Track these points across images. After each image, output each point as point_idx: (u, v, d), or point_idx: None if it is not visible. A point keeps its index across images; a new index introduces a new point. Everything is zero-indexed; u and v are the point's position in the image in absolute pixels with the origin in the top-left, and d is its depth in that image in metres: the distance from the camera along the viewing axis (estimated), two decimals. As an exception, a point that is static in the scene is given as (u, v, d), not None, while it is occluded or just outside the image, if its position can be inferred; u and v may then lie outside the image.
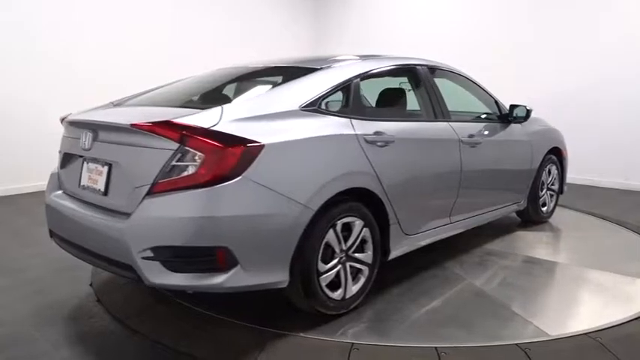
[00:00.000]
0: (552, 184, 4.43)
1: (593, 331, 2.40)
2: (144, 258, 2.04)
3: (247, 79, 3.01)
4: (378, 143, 2.64)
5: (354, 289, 2.58)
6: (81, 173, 2.49)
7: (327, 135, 2.41)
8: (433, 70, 3.39)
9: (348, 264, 2.53)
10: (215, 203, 2.02)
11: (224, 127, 2.09)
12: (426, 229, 3.07)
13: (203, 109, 2.23)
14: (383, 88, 3.25)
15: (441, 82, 3.43)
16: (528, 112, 3.84)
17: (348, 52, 3.38)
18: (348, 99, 2.70)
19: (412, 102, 3.21)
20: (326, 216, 2.35)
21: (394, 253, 2.83)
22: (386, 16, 8.10)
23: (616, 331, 2.42)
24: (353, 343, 2.27)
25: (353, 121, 2.57)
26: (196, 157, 2.02)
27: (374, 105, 3.35)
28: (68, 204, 2.50)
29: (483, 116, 3.80)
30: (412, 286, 2.98)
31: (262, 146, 2.12)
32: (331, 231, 2.41)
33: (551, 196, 4.46)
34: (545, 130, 4.32)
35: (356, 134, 2.53)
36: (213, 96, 2.83)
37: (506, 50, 6.76)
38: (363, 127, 2.60)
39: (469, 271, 3.24)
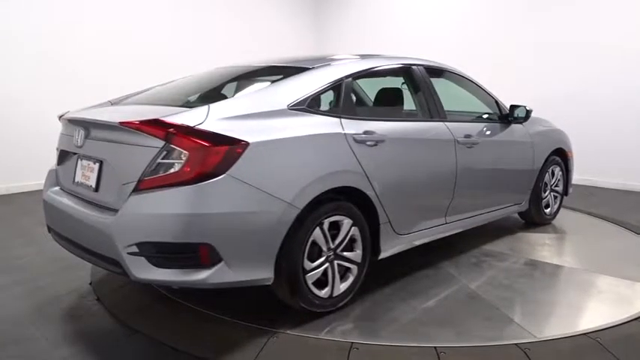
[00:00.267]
0: (556, 186, 4.36)
1: (592, 332, 2.39)
2: (129, 253, 2.08)
3: (242, 78, 3.03)
4: (368, 143, 2.64)
5: (342, 287, 2.59)
6: (75, 170, 2.56)
7: (313, 134, 2.42)
8: (430, 70, 3.37)
9: (336, 262, 2.55)
10: (198, 200, 2.05)
11: (209, 126, 2.12)
12: (419, 229, 3.06)
13: (192, 108, 2.27)
14: (379, 88, 3.25)
15: (440, 82, 3.41)
16: (528, 112, 3.81)
17: (347, 51, 3.38)
18: (338, 98, 2.71)
19: (407, 102, 3.19)
20: (312, 214, 2.37)
21: (385, 253, 2.84)
22: (386, 16, 8.10)
23: (615, 332, 2.41)
24: (352, 343, 2.27)
25: (343, 120, 2.59)
26: (182, 155, 2.06)
27: (369, 104, 3.34)
28: (63, 200, 2.57)
29: (483, 116, 3.77)
30: (404, 285, 2.97)
31: (247, 144, 2.14)
32: (318, 229, 2.42)
33: (555, 197, 4.39)
34: (549, 131, 4.26)
35: (344, 133, 2.54)
36: (207, 95, 2.85)
37: (507, 50, 6.73)
38: (353, 126, 2.60)
39: (464, 272, 3.22)
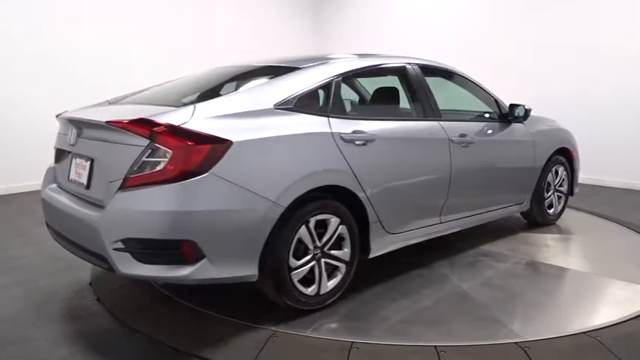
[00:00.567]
0: (560, 186, 4.30)
1: (592, 330, 2.39)
2: (115, 249, 2.12)
3: (239, 78, 3.04)
4: (357, 142, 2.64)
5: (329, 285, 2.60)
6: (70, 167, 2.60)
7: (299, 133, 2.43)
8: (428, 69, 3.36)
9: (323, 260, 2.55)
10: (181, 198, 2.08)
11: (194, 125, 2.15)
12: (412, 228, 3.05)
13: (179, 107, 2.30)
14: (375, 88, 3.25)
15: (439, 82, 3.40)
16: (527, 111, 3.78)
17: (347, 51, 3.37)
18: (327, 98, 2.71)
19: (401, 101, 3.18)
20: (297, 212, 2.38)
21: (376, 252, 2.84)
22: (386, 16, 8.10)
23: (615, 330, 2.41)
24: (353, 342, 2.27)
25: (331, 119, 2.59)
26: (166, 154, 2.10)
27: (367, 104, 3.34)
28: (58, 197, 2.62)
29: (483, 115, 3.75)
30: (396, 284, 2.96)
31: (230, 143, 2.17)
32: (304, 227, 2.43)
33: (559, 197, 4.33)
34: (552, 130, 4.20)
35: (332, 132, 2.55)
36: (203, 95, 2.86)
37: (507, 50, 6.73)
38: (341, 125, 2.61)
39: (458, 271, 3.20)
